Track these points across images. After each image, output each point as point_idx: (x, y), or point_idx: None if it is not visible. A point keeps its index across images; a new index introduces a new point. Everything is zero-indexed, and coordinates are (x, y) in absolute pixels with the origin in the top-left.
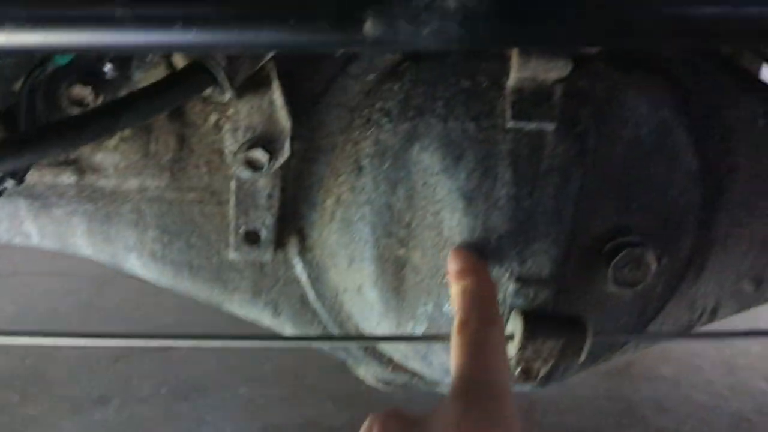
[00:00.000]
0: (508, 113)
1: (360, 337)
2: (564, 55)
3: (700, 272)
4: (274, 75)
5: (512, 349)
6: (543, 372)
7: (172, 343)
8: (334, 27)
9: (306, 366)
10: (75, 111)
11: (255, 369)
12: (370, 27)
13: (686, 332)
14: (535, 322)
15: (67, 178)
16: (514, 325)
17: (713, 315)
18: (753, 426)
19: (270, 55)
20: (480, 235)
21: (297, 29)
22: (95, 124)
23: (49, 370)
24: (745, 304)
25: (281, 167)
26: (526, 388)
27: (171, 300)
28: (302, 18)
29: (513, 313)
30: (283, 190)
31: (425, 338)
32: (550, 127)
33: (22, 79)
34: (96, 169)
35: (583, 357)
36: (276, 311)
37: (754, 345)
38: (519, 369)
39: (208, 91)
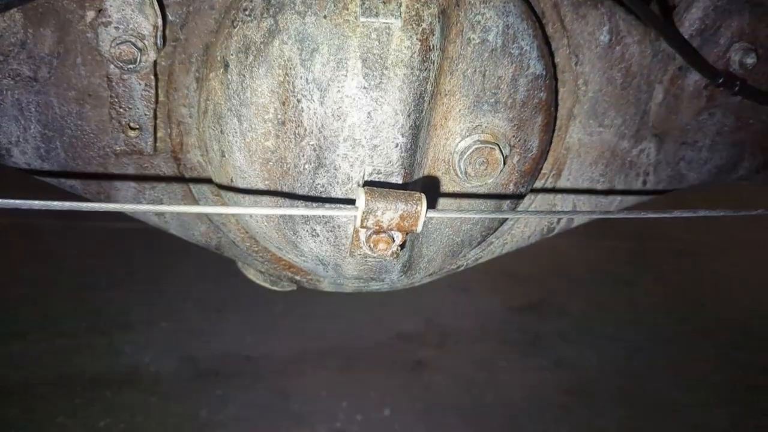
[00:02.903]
0: (359, 10)
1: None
2: None
3: (557, 179)
4: None
5: (357, 220)
6: (393, 248)
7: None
8: None
9: (231, 300)
10: None
11: (177, 304)
12: None
13: (548, 232)
14: (375, 195)
15: None
16: (359, 200)
17: (571, 220)
18: (648, 353)
19: None
20: (334, 125)
21: None
22: None
23: None
24: (599, 209)
25: (156, 66)
26: (394, 275)
27: None
28: None
29: (359, 189)
30: (159, 87)
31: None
32: (396, 23)
33: None
34: None
35: (419, 227)
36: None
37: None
38: (367, 242)
39: None
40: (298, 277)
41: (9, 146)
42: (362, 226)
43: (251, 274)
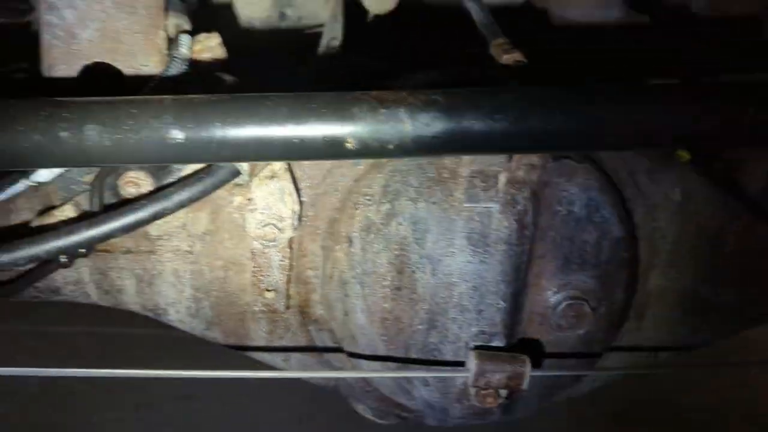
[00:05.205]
0: (463, 197)
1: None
2: (503, 154)
3: (641, 321)
4: (285, 168)
5: (470, 380)
6: (499, 400)
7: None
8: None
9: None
10: (131, 190)
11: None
12: (352, 145)
13: (625, 369)
14: (484, 359)
15: (122, 245)
16: (470, 363)
17: (655, 356)
18: None
19: None
20: (444, 293)
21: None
22: (151, 208)
23: None
24: (682, 345)
25: (291, 239)
26: (495, 416)
27: None
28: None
29: (470, 353)
30: (292, 256)
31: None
32: (495, 207)
33: (94, 172)
34: (145, 239)
35: (525, 385)
36: (287, 356)
37: None
38: (476, 397)
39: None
40: (404, 414)
41: (166, 306)
42: (474, 386)
43: (361, 410)
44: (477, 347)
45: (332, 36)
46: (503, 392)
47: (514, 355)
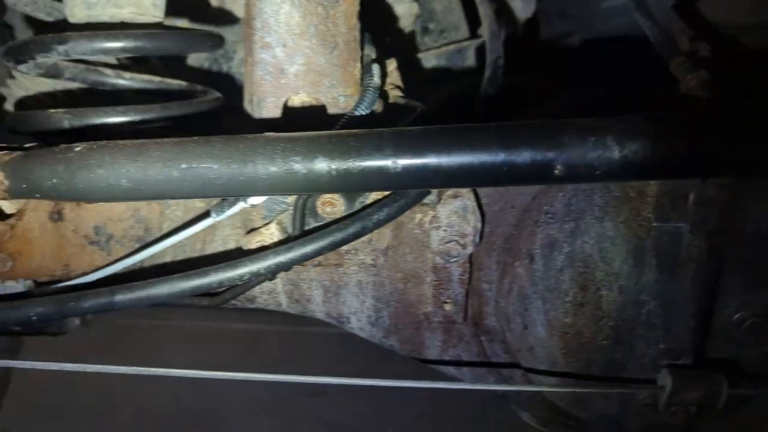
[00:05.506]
0: (652, 216)
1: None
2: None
3: None
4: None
5: (664, 397)
6: (688, 417)
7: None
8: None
9: None
10: (328, 209)
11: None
12: (560, 171)
13: None
14: (681, 377)
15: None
16: (665, 380)
17: None
18: None
19: None
20: (631, 310)
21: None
22: (353, 228)
23: None
24: None
25: (471, 255)
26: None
27: None
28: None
29: (664, 370)
30: (471, 270)
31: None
32: (685, 227)
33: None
34: (335, 253)
35: (720, 404)
36: (459, 363)
37: None
38: (666, 413)
39: None
40: (570, 423)
41: (349, 315)
42: (668, 403)
43: (525, 417)
44: (668, 365)
45: (497, 54)
46: (692, 409)
47: (708, 373)
